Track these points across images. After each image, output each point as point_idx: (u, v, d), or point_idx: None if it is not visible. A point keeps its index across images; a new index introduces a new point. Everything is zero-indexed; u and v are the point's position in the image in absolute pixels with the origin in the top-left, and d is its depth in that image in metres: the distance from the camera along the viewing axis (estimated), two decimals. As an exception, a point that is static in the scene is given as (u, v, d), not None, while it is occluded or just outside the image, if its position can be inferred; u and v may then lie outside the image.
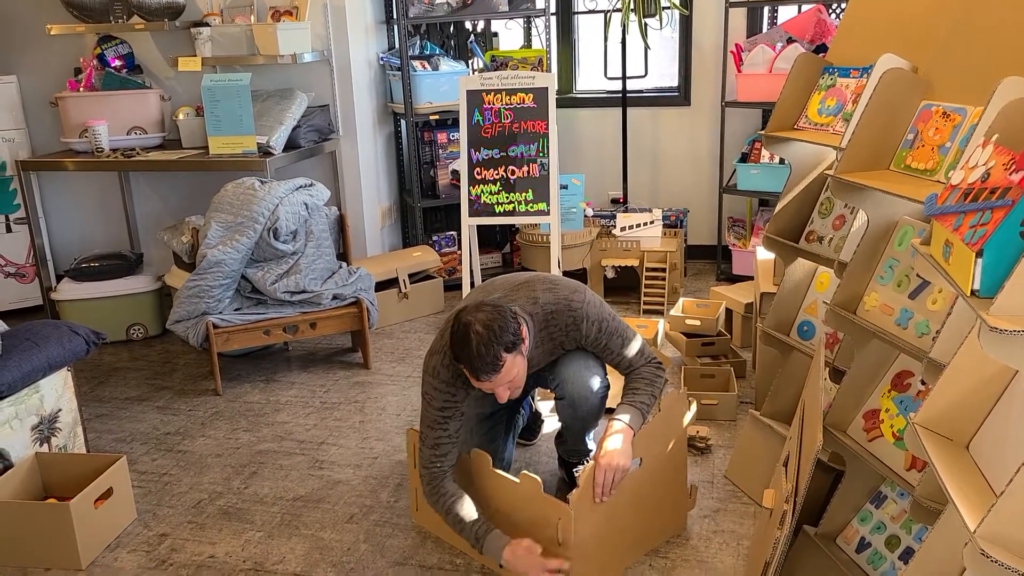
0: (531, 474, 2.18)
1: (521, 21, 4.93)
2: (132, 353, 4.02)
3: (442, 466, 2.26)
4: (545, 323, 2.29)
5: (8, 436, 2.52)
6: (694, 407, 2.46)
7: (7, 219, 4.40)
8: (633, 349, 2.35)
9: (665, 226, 4.56)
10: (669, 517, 2.43)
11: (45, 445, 2.67)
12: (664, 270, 4.23)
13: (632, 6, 4.32)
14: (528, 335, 2.19)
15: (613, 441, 2.18)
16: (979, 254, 1.23)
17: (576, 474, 2.50)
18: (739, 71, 4.33)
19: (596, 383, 2.37)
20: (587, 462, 2.61)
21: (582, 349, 2.37)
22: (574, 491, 2.12)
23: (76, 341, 2.72)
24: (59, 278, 4.18)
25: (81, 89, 4.18)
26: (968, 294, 1.26)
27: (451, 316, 2.24)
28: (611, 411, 2.31)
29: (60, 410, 2.73)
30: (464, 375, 2.18)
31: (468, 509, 2.23)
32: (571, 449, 2.60)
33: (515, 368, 2.12)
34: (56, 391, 2.70)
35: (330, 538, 2.50)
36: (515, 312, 2.16)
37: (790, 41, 4.24)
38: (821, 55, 2.77)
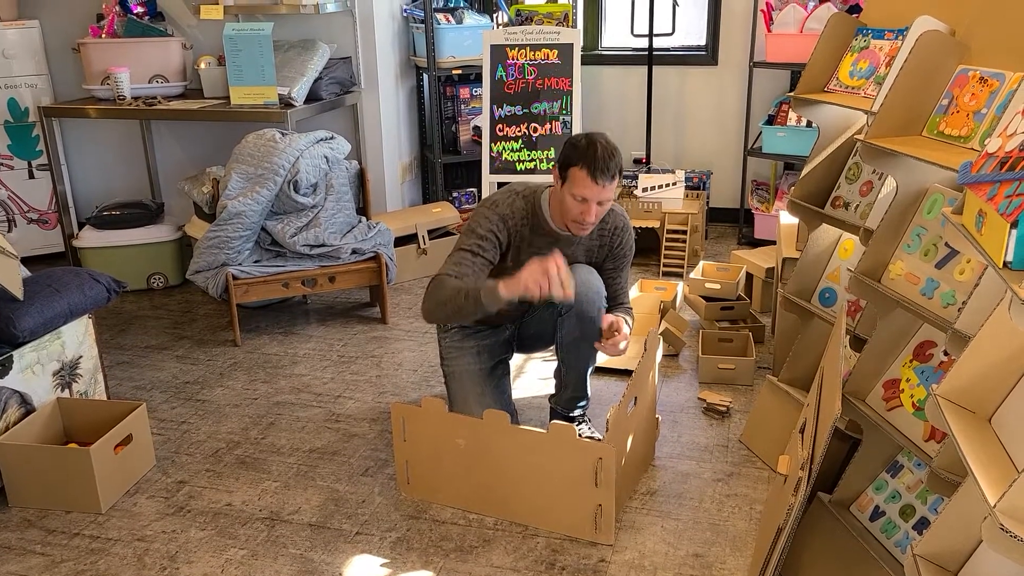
0: (560, 421, 2.24)
1: (547, -26, 4.84)
2: (153, 302, 4.05)
3: (455, 276, 2.38)
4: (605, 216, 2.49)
5: (30, 381, 2.55)
6: (661, 345, 2.76)
7: (30, 165, 4.41)
8: (628, 280, 2.67)
9: (687, 188, 4.51)
10: (648, 450, 2.62)
11: (66, 390, 2.70)
12: (685, 232, 4.19)
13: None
14: None
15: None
16: (1014, 225, 1.20)
17: (581, 434, 2.50)
18: (769, 31, 4.23)
19: (601, 290, 2.48)
20: (584, 416, 2.71)
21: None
22: (607, 433, 2.17)
23: (97, 289, 2.74)
24: (81, 225, 4.20)
25: (103, 35, 4.15)
26: (1000, 266, 1.23)
27: (509, 186, 2.55)
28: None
29: (81, 356, 2.76)
30: (513, 221, 2.42)
31: (469, 284, 2.34)
32: (571, 396, 2.63)
33: (611, 195, 2.34)
34: (77, 338, 2.73)
35: (345, 490, 2.53)
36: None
37: (823, 0, 4.13)
38: (855, 15, 2.70)
